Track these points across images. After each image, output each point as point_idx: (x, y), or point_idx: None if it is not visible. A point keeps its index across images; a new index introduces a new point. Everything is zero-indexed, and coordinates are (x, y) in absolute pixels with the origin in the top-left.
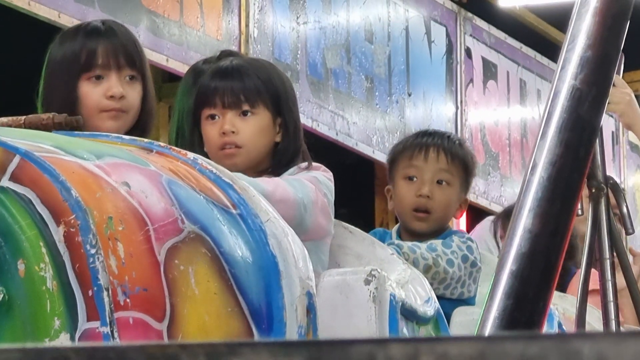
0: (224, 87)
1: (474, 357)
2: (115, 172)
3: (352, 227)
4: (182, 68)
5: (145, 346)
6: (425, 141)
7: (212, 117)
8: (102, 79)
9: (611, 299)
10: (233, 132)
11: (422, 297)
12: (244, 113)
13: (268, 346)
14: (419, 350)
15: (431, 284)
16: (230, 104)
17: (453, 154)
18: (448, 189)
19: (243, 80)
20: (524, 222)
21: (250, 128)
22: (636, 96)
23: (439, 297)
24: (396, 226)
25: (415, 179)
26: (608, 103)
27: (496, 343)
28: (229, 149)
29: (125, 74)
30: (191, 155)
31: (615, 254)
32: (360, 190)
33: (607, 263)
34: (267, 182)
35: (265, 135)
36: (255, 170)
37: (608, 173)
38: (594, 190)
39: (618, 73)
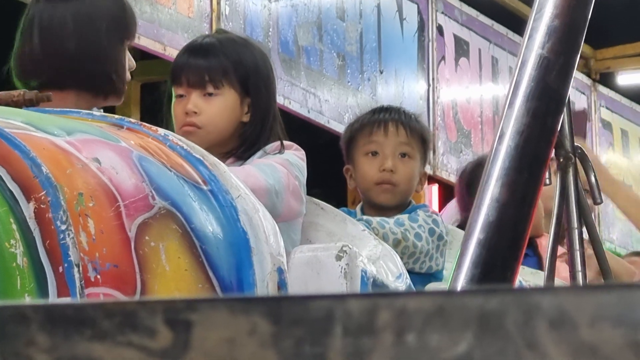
0: (190, 66)
1: (432, 312)
2: (86, 148)
3: (324, 203)
4: (153, 46)
5: (104, 303)
6: (383, 117)
7: (181, 96)
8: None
9: (579, 269)
10: (195, 112)
11: (393, 273)
12: (209, 93)
13: (226, 302)
14: (377, 305)
15: (401, 259)
16: (195, 84)
17: (412, 128)
18: (410, 162)
19: (209, 59)
20: (491, 191)
21: (214, 109)
22: (607, 74)
23: (408, 272)
24: (360, 204)
25: (377, 154)
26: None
27: (455, 297)
28: (187, 127)
29: None
30: (162, 131)
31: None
32: (333, 169)
33: (576, 233)
34: (238, 171)
35: (230, 116)
36: (220, 151)
37: None
38: (561, 160)
39: None
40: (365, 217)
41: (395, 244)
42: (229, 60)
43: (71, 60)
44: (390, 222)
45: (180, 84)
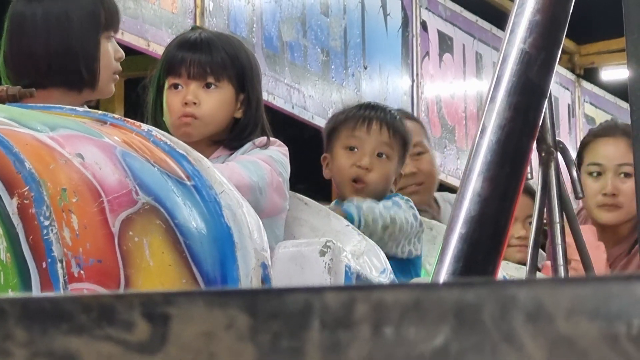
0: (191, 58)
1: (409, 305)
2: (69, 143)
3: (308, 199)
4: (137, 42)
5: (81, 297)
6: (368, 114)
7: (176, 86)
8: (111, 40)
9: (561, 263)
10: (195, 103)
11: (377, 268)
12: (208, 85)
13: (204, 295)
14: (354, 298)
15: (385, 243)
16: (195, 75)
17: (395, 129)
18: (387, 163)
19: (211, 53)
20: (473, 185)
21: (212, 101)
22: (591, 69)
23: (389, 258)
24: (337, 199)
25: (355, 149)
26: None
27: (432, 290)
28: (185, 118)
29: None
30: (145, 127)
31: (565, 218)
32: (317, 165)
33: (558, 227)
34: (222, 169)
35: (225, 110)
36: (210, 140)
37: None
38: (543, 154)
39: None
40: (355, 199)
41: (384, 228)
42: (228, 56)
43: (44, 59)
44: (380, 206)
45: (179, 76)
